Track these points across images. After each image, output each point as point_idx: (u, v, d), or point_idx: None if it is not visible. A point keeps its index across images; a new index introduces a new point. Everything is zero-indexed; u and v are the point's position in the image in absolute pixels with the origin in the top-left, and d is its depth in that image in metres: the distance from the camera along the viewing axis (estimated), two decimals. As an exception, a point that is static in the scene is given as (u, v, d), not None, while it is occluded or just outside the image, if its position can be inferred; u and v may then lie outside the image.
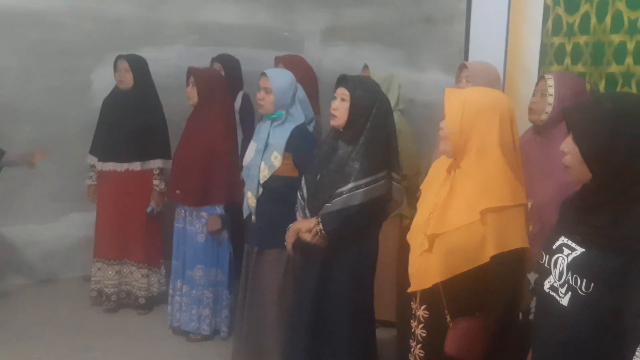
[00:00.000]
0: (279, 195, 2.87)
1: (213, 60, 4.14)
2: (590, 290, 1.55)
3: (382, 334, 3.15)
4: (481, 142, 1.90)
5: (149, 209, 3.87)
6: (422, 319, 2.02)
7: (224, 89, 3.63)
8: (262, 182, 2.90)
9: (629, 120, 1.53)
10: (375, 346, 2.76)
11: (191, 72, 3.53)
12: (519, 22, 3.42)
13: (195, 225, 3.54)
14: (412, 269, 2.03)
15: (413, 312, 2.05)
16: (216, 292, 3.60)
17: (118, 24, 4.40)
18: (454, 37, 3.80)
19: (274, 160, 2.87)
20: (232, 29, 4.64)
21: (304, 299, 2.65)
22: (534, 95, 2.67)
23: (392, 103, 3.40)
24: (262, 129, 3.00)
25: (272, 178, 2.88)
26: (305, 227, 2.57)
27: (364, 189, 2.50)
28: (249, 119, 4.01)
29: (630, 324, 1.50)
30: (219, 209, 3.48)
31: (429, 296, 1.98)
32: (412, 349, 2.06)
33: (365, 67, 3.66)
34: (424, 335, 2.02)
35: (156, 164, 3.89)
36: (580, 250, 1.60)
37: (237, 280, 3.31)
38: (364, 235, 2.61)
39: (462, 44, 3.75)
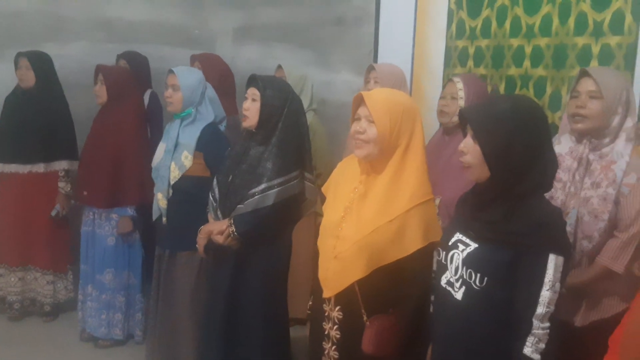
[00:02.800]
0: (190, 196, 2.83)
1: (118, 57, 4.01)
2: (484, 284, 1.62)
3: (297, 332, 3.17)
4: (407, 143, 1.94)
5: (53, 213, 3.71)
6: (336, 320, 2.03)
7: (134, 87, 3.54)
8: (172, 182, 2.85)
9: (525, 120, 1.62)
10: (289, 347, 2.77)
11: (99, 70, 3.42)
12: (425, 25, 3.54)
13: (105, 228, 3.44)
14: (325, 274, 2.02)
15: (326, 314, 2.06)
16: (128, 295, 3.51)
17: (17, 18, 4.17)
18: (364, 39, 3.88)
19: (185, 160, 2.82)
20: (140, 25, 4.52)
21: (217, 301, 2.62)
22: (443, 97, 2.77)
23: (306, 103, 3.44)
24: (172, 129, 2.94)
25: (183, 178, 2.83)
26: (217, 229, 2.53)
27: (276, 189, 2.49)
28: (157, 118, 3.93)
29: (521, 315, 1.59)
30: (130, 210, 3.39)
31: (344, 297, 1.98)
32: (326, 351, 2.07)
33: (280, 67, 3.66)
34: (338, 336, 2.03)
35: (61, 165, 3.72)
36: (473, 245, 1.68)
37: (150, 283, 3.23)
38: (277, 235, 2.60)
39: (371, 45, 3.84)
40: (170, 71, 2.90)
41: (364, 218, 1.94)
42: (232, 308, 2.59)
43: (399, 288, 1.93)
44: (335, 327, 2.03)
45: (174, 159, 2.85)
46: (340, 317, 2.02)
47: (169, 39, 4.56)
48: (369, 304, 1.96)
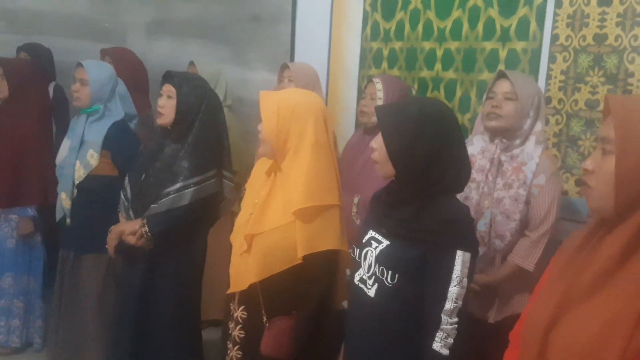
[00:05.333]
0: (97, 196, 2.72)
1: (19, 49, 3.78)
2: (395, 281, 1.64)
3: (212, 334, 3.12)
4: (297, 143, 1.93)
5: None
6: (240, 320, 2.01)
7: (36, 80, 3.34)
8: (77, 182, 2.73)
9: (431, 124, 1.65)
10: (201, 350, 2.72)
11: None
12: (341, 26, 3.58)
13: (4, 229, 3.24)
14: (232, 270, 2.01)
15: (231, 313, 2.04)
16: (27, 301, 3.31)
17: None
18: (280, 38, 3.88)
19: (90, 159, 2.71)
20: (45, 16, 4.28)
21: (127, 304, 2.53)
22: (363, 98, 2.80)
23: (220, 99, 3.38)
24: (77, 125, 2.81)
25: (89, 178, 2.71)
26: (129, 229, 2.44)
27: (193, 188, 2.43)
28: (62, 112, 3.73)
29: (429, 311, 1.61)
30: (31, 211, 3.20)
31: (247, 297, 1.97)
32: (229, 351, 2.05)
33: (192, 63, 3.59)
34: (241, 336, 2.02)
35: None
36: (386, 243, 1.70)
37: (51, 287, 3.07)
38: (193, 236, 2.54)
39: (288, 44, 3.84)
40: (79, 64, 2.78)
41: (266, 217, 1.94)
42: (143, 311, 2.51)
43: (299, 291, 1.93)
44: (239, 327, 2.02)
45: (79, 157, 2.73)
46: (244, 317, 2.01)
47: (76, 31, 4.35)
48: (270, 304, 1.96)
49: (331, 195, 1.95)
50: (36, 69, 3.45)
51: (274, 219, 1.92)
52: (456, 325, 1.60)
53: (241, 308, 2.01)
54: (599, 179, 1.16)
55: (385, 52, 3.32)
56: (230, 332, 2.05)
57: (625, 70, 2.33)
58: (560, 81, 2.53)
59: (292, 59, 3.79)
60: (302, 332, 1.91)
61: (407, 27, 3.19)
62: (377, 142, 1.70)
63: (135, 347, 2.53)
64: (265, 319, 1.95)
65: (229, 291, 2.01)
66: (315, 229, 1.89)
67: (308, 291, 1.91)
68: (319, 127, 1.95)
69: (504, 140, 2.23)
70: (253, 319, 1.98)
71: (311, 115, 1.95)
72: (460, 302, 1.60)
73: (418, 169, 1.64)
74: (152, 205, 2.44)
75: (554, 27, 2.55)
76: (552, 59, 2.56)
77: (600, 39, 2.40)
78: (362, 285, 1.74)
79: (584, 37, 2.45)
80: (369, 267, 1.71)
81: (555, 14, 2.54)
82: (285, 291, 1.93)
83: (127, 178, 2.58)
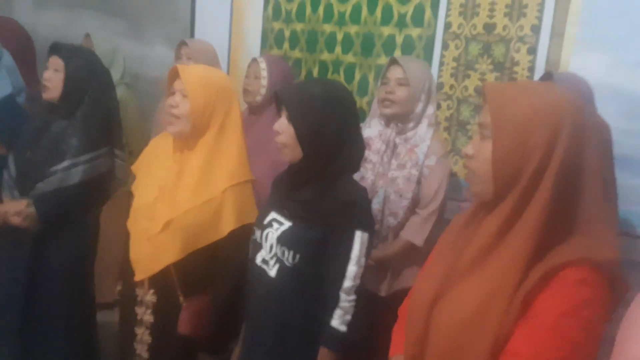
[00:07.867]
0: (-21, 176, 2.55)
1: None
2: (296, 261, 1.67)
3: (105, 317, 3.04)
4: (222, 121, 1.92)
5: None
6: (150, 304, 1.98)
7: None
8: (-42, 161, 2.54)
9: (337, 104, 1.69)
10: (96, 334, 2.64)
11: None
12: (242, 4, 3.53)
13: None
14: (137, 256, 1.96)
15: (139, 298, 1.99)
16: None
17: None
18: (180, 13, 3.78)
19: (-28, 136, 2.54)
20: None
21: (13, 289, 2.40)
22: (247, 77, 2.80)
23: (118, 76, 3.26)
24: (-44, 100, 2.62)
25: (-29, 156, 2.54)
26: (13, 209, 2.31)
27: (82, 166, 2.34)
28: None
29: (329, 289, 1.67)
30: None
31: (159, 280, 1.94)
32: (139, 336, 2.01)
33: (87, 36, 3.43)
34: (152, 320, 1.98)
35: None
36: (287, 224, 1.72)
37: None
38: (83, 217, 2.45)
39: (188, 20, 3.75)
40: (-44, 35, 2.58)
41: (179, 198, 1.91)
42: (31, 296, 2.39)
43: (215, 268, 1.92)
44: (149, 311, 1.98)
45: (-40, 134, 2.55)
46: (154, 300, 1.97)
47: (-46, -3, 4.03)
48: (185, 284, 1.94)
49: (248, 171, 2.00)
50: None
51: (191, 197, 1.89)
52: (354, 303, 1.66)
53: (151, 292, 1.96)
54: (478, 163, 1.22)
55: (287, 33, 3.31)
56: (138, 317, 2.00)
57: (512, 59, 2.46)
58: (452, 68, 2.64)
59: (192, 35, 3.70)
60: (220, 310, 1.92)
61: (309, 9, 3.20)
62: (282, 126, 1.69)
63: (22, 335, 2.41)
64: (181, 299, 1.93)
65: (137, 279, 1.94)
66: (242, 203, 1.93)
67: (225, 267, 1.92)
68: (239, 107, 1.99)
69: (399, 124, 2.31)
70: (164, 301, 1.95)
71: (233, 92, 1.97)
72: (358, 281, 1.66)
73: (326, 151, 1.67)
74: (38, 184, 2.32)
75: (447, 15, 2.64)
76: (445, 46, 2.65)
77: (489, 28, 2.51)
78: (264, 266, 1.75)
79: (474, 26, 2.56)
80: (271, 248, 1.73)
81: (449, 3, 2.63)
82: (202, 269, 1.91)
83: (11, 156, 2.44)
